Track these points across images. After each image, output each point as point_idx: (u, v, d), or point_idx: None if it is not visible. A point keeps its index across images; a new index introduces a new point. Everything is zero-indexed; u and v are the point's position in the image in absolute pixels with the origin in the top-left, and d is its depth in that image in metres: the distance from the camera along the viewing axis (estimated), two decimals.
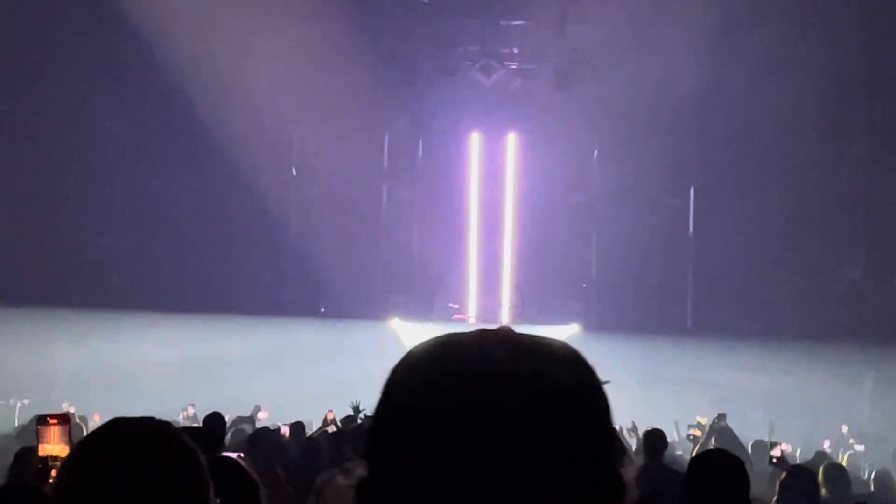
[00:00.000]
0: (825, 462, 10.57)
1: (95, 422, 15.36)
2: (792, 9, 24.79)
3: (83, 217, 26.57)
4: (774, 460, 9.90)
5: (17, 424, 17.94)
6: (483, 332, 1.70)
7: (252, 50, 25.58)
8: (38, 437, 4.06)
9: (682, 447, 17.13)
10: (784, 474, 8.74)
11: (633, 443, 14.64)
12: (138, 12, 24.15)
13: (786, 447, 16.94)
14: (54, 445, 4.04)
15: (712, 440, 14.27)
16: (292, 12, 24.86)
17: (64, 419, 4.09)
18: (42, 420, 4.08)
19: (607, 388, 1.72)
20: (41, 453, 4.09)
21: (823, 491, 9.22)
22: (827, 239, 26.34)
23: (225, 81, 24.88)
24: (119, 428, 2.66)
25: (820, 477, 9.45)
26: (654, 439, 10.17)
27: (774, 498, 8.45)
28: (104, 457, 2.54)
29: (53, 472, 4.02)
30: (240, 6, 24.60)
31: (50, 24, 25.67)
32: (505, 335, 1.68)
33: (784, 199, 25.97)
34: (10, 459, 11.87)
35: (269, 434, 12.27)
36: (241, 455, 4.60)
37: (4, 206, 25.20)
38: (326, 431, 14.42)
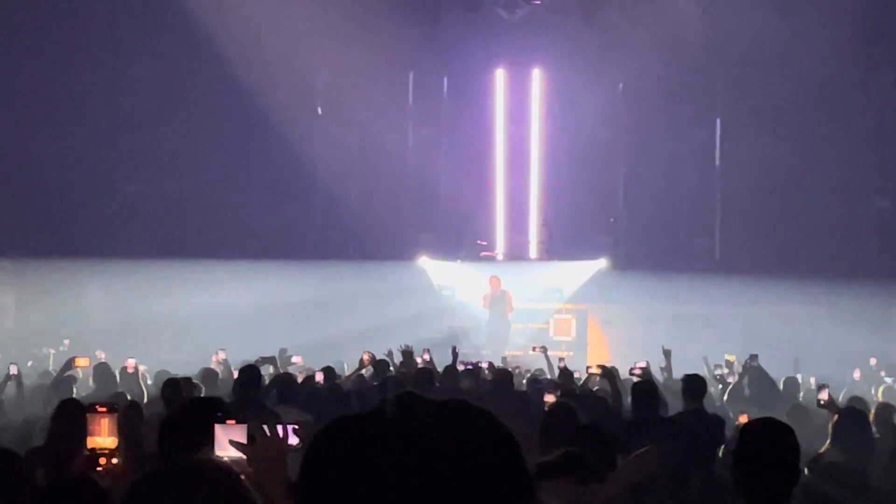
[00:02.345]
0: (878, 403, 10.60)
1: (128, 367, 15.49)
2: None
3: (111, 164, 26.64)
4: (822, 403, 9.94)
5: (51, 369, 18.09)
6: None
7: None
8: (86, 427, 4.10)
9: (711, 384, 17.17)
10: (835, 417, 8.75)
11: (661, 378, 14.66)
12: None
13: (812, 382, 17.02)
14: (105, 438, 4.07)
15: (745, 380, 14.33)
16: None
17: (113, 408, 4.12)
18: (91, 409, 4.11)
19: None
20: (89, 445, 4.11)
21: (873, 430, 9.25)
22: (855, 169, 26.20)
23: (249, 23, 24.82)
24: (177, 470, 2.71)
25: (871, 417, 9.48)
26: (694, 384, 10.20)
27: (828, 441, 8.46)
28: (160, 499, 2.59)
29: (102, 460, 4.09)
30: None
31: None
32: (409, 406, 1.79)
33: (811, 129, 25.82)
34: (41, 406, 12.07)
35: (296, 382, 12.24)
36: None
37: (32, 155, 25.28)
38: (362, 375, 14.51)
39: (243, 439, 3.84)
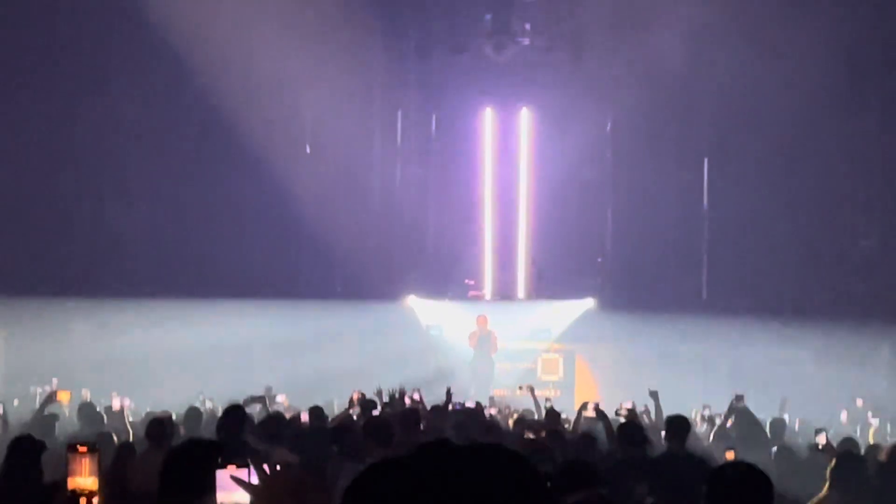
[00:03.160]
0: (868, 446, 10.61)
1: (114, 406, 15.44)
2: None
3: (98, 202, 26.62)
4: (820, 447, 9.95)
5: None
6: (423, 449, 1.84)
7: (263, 28, 25.56)
8: (67, 467, 4.09)
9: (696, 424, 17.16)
10: (833, 461, 8.75)
11: (647, 421, 14.64)
12: None
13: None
14: (85, 478, 4.06)
15: (730, 421, 14.33)
16: None
17: (93, 448, 4.11)
18: (72, 448, 4.10)
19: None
20: (70, 486, 4.10)
21: None
22: (841, 210, 26.30)
23: (237, 61, 24.91)
24: None
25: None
26: (678, 425, 10.20)
27: (826, 485, 8.47)
28: None
29: (82, 500, 4.07)
30: None
31: (66, 9, 25.67)
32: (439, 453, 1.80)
33: (797, 170, 25.93)
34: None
35: (285, 422, 12.21)
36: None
37: (19, 193, 25.24)
38: (350, 414, 14.47)
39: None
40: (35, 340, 23.39)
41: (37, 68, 25.45)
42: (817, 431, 10.78)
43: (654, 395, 14.89)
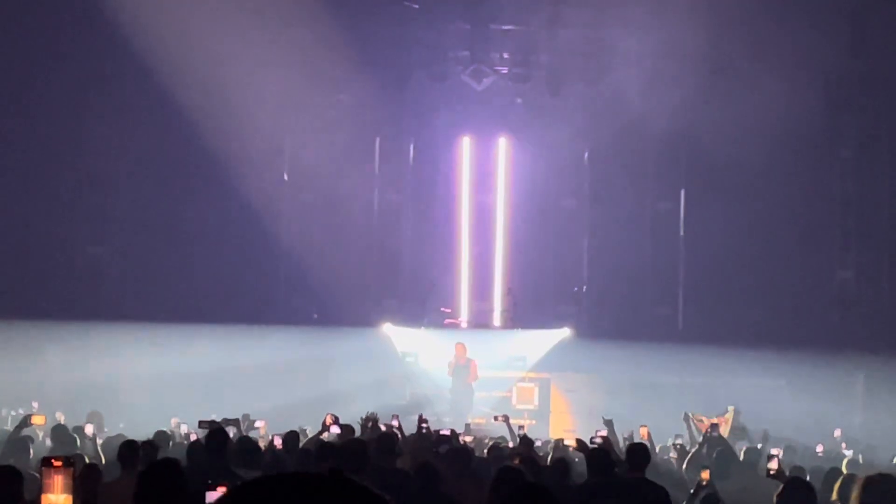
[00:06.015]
0: (842, 476, 10.55)
1: (87, 429, 15.35)
2: (781, 13, 24.89)
3: (75, 226, 26.52)
4: (772, 472, 9.91)
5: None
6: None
7: (243, 56, 25.59)
8: (41, 482, 4.03)
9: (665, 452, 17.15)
10: (781, 487, 8.73)
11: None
12: (131, 21, 24.16)
13: (775, 451, 17.03)
14: (58, 495, 3.99)
15: (704, 449, 14.35)
16: (283, 18, 24.93)
17: (68, 462, 4.05)
18: (46, 462, 4.04)
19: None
20: (43, 502, 4.03)
21: (834, 496, 9.23)
22: (817, 241, 26.42)
23: (216, 88, 24.87)
24: None
25: (836, 486, 9.47)
26: (636, 453, 10.24)
27: None
28: None
29: None
30: (230, 14, 24.61)
31: (44, 33, 25.64)
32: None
33: (774, 202, 26.05)
34: None
35: (258, 446, 12.18)
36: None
37: None
38: (322, 439, 14.41)
39: None
40: (9, 363, 23.24)
41: (14, 87, 25.39)
42: (769, 458, 10.70)
43: (608, 423, 15.14)
